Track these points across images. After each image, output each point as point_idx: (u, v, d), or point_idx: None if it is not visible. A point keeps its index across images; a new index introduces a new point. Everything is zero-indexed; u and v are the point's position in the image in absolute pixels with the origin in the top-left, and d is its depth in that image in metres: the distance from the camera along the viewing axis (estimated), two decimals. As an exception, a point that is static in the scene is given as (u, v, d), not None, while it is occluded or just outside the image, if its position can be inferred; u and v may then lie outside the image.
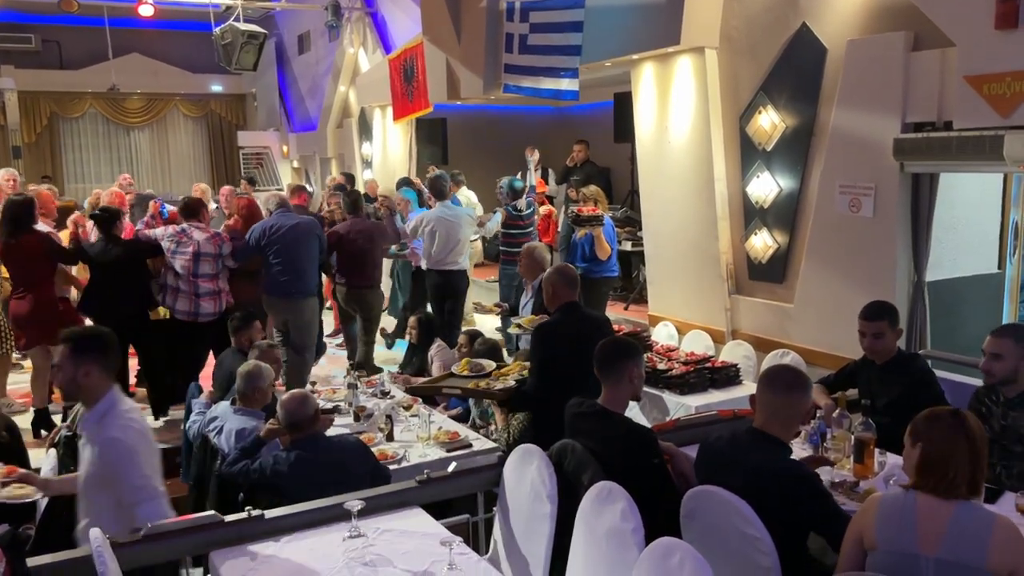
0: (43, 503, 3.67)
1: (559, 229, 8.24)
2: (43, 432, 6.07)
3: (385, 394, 5.21)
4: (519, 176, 8.65)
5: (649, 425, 4.07)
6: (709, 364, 5.60)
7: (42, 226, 6.32)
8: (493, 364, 4.79)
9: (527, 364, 4.47)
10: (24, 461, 4.02)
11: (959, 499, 2.36)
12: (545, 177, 10.07)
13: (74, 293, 6.68)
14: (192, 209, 6.23)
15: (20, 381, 7.02)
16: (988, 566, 2.27)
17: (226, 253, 6.30)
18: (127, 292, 6.05)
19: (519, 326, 5.23)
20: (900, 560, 2.35)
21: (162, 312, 6.26)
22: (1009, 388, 3.36)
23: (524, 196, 7.89)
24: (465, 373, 4.72)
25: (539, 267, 5.55)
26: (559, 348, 4.14)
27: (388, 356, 8.02)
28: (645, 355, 4.98)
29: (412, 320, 6.12)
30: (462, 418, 5.37)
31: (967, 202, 5.27)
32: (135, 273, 6.09)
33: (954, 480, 2.36)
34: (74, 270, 6.72)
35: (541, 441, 3.40)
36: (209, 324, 6.16)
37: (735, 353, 5.87)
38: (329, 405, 5.12)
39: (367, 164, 13.16)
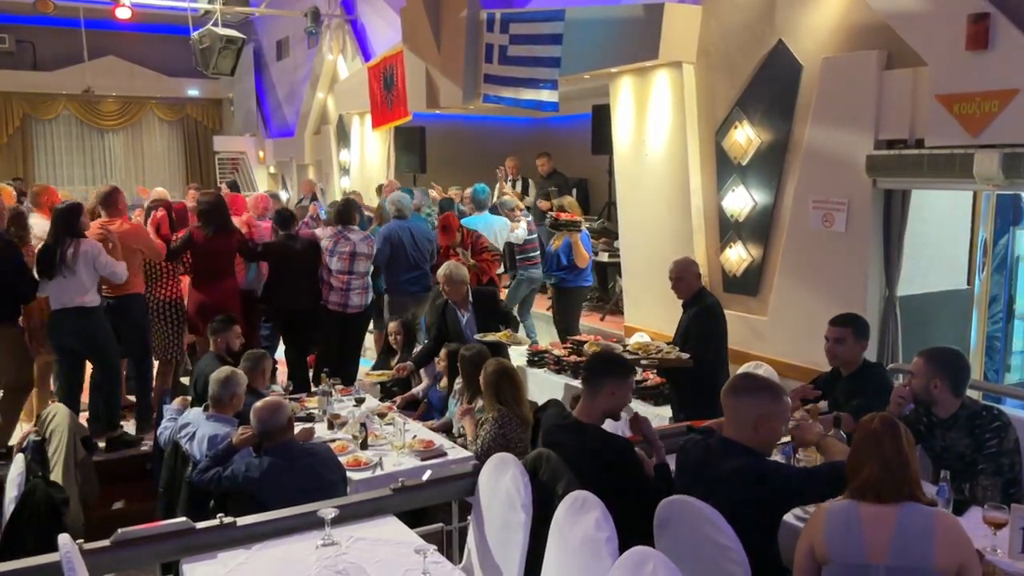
0: (9, 510, 3.61)
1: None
2: None
3: (360, 401, 5.18)
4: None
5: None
6: (683, 375, 5.63)
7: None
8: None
9: None
10: None
11: (899, 502, 2.40)
12: (525, 188, 10.00)
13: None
14: (348, 215, 6.65)
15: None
16: (937, 566, 2.30)
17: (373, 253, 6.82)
18: (304, 285, 6.50)
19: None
20: (852, 571, 2.39)
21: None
22: (940, 409, 3.41)
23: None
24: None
25: (463, 285, 5.68)
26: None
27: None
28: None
29: (394, 325, 6.04)
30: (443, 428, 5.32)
31: (938, 219, 5.36)
32: (310, 268, 6.54)
33: (881, 481, 2.41)
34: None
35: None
36: (356, 315, 6.66)
37: (709, 365, 5.92)
38: (303, 413, 5.08)
39: (345, 171, 13.13)
